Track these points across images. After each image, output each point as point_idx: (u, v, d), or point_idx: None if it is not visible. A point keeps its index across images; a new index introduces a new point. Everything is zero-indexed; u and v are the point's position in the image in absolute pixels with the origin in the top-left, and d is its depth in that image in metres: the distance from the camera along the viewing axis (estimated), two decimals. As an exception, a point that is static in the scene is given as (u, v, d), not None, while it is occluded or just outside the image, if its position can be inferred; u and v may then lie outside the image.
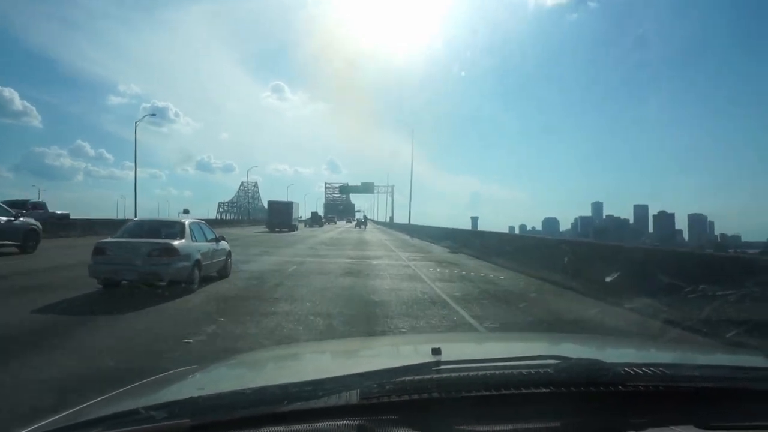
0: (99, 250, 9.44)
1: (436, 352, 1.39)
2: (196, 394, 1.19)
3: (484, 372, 1.18)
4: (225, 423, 1.05)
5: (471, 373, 1.17)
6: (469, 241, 24.68)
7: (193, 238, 10.44)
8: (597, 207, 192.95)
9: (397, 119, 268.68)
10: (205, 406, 1.10)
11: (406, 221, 60.93)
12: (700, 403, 1.21)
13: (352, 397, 1.09)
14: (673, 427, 1.12)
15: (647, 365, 1.22)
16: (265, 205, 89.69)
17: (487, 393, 1.13)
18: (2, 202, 18.24)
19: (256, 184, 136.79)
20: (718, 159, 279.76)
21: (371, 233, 49.48)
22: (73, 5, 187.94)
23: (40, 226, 17.81)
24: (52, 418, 1.20)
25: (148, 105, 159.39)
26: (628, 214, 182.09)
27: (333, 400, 1.08)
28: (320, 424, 1.05)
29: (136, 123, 41.65)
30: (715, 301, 6.76)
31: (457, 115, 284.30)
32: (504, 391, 1.13)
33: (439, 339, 3.31)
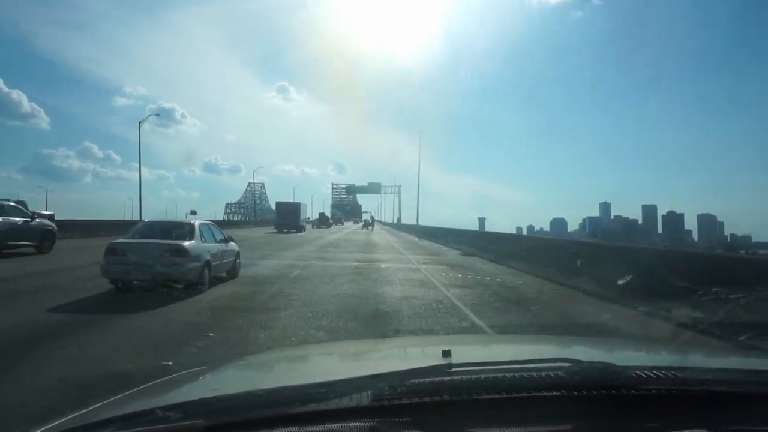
0: (111, 251, 9.56)
1: (446, 354, 1.38)
2: (209, 394, 1.20)
3: (495, 375, 1.18)
4: (238, 424, 1.06)
5: (483, 376, 1.17)
6: (481, 243, 23.92)
7: (203, 239, 10.55)
8: (605, 207, 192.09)
9: (402, 120, 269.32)
10: (220, 407, 1.11)
11: (414, 222, 60.78)
12: (712, 407, 1.19)
13: (364, 398, 1.09)
14: (686, 431, 1.11)
15: (659, 368, 1.21)
16: (272, 206, 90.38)
17: (499, 396, 1.13)
18: None
19: (262, 185, 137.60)
20: (726, 159, 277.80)
21: (379, 234, 49.07)
22: (80, 8, 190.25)
23: (56, 228, 18.21)
24: (66, 418, 1.21)
25: (155, 106, 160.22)
26: (636, 214, 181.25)
27: (345, 402, 1.08)
28: (332, 425, 1.05)
29: (140, 123, 41.66)
30: (728, 303, 6.70)
31: (462, 116, 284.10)
32: (515, 395, 1.13)
33: (448, 341, 3.30)
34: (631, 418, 1.16)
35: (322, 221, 75.08)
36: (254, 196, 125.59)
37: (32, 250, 16.51)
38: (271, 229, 52.43)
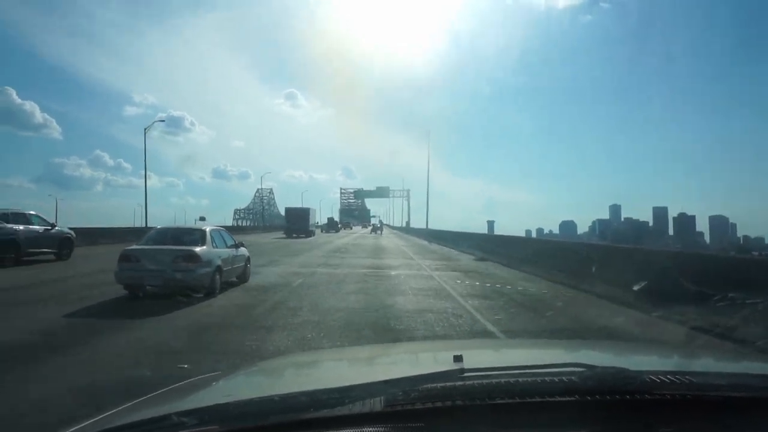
0: (125, 257, 9.71)
1: (458, 359, 1.38)
2: (223, 400, 1.21)
3: (508, 380, 1.18)
4: (253, 429, 1.06)
5: (495, 381, 1.17)
6: (492, 247, 23.41)
7: (214, 245, 10.67)
8: (615, 209, 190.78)
9: (410, 123, 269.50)
10: (235, 413, 1.12)
11: (423, 226, 60.59)
12: (728, 413, 1.18)
13: (377, 404, 1.09)
14: None
15: (674, 373, 1.20)
16: (281, 212, 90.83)
17: (512, 401, 1.12)
18: None
19: (271, 191, 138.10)
20: (738, 159, 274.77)
21: (388, 239, 48.87)
22: (89, 19, 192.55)
23: (74, 235, 18.91)
24: (81, 425, 1.22)
25: (164, 115, 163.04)
26: (647, 216, 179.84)
27: (358, 408, 1.08)
28: (345, 431, 1.06)
29: (145, 129, 41.65)
30: (745, 308, 6.62)
31: (470, 118, 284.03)
32: (529, 399, 1.13)
33: (460, 346, 3.29)
34: (645, 424, 1.14)
35: (331, 226, 75.41)
36: (262, 201, 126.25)
37: (52, 257, 17.18)
38: (280, 234, 52.63)
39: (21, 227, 16.09)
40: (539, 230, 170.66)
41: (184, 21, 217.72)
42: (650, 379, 1.17)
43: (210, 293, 9.71)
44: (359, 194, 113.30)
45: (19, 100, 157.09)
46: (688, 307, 7.70)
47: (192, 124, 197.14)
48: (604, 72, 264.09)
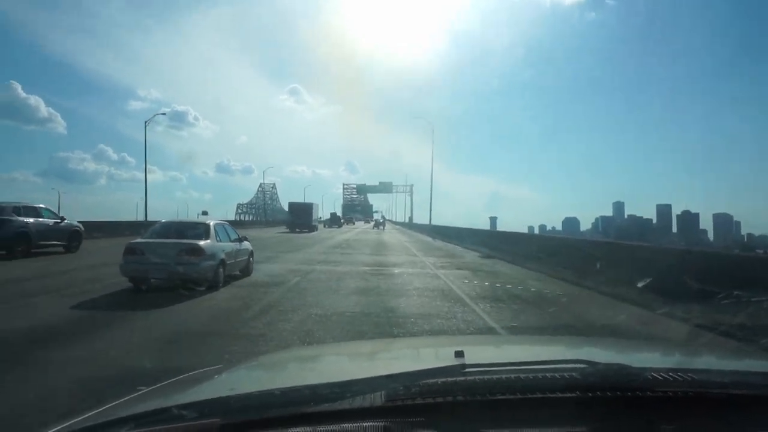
0: (130, 250, 9.80)
1: (459, 354, 1.38)
2: (225, 393, 1.21)
3: (509, 375, 1.17)
4: (254, 423, 1.06)
5: (497, 377, 1.17)
6: (497, 244, 22.94)
7: (218, 239, 10.75)
8: (618, 207, 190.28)
9: (413, 121, 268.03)
10: (235, 406, 1.12)
11: (425, 222, 60.32)
12: (730, 410, 1.18)
13: (378, 399, 1.09)
14: None
15: (676, 370, 1.20)
16: (284, 206, 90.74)
17: (513, 397, 1.13)
18: None
19: (274, 186, 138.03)
20: (742, 157, 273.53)
21: (390, 234, 48.77)
22: (94, 15, 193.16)
23: (83, 228, 19.31)
24: (82, 416, 1.21)
25: (168, 109, 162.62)
26: (650, 213, 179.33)
27: (358, 402, 1.09)
28: (346, 425, 1.05)
29: (145, 123, 41.74)
30: (750, 305, 6.60)
31: (474, 115, 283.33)
32: (530, 395, 1.13)
33: (461, 342, 3.28)
34: (647, 421, 1.14)
35: (334, 221, 75.58)
36: (264, 196, 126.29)
37: (61, 249, 17.57)
38: (283, 229, 52.82)
39: (32, 220, 16.47)
40: (542, 227, 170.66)
41: (189, 17, 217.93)
42: (652, 376, 1.16)
43: (213, 286, 9.80)
44: (362, 189, 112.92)
45: (24, 95, 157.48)
46: (692, 304, 7.68)
47: (196, 118, 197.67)
48: (608, 69, 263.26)
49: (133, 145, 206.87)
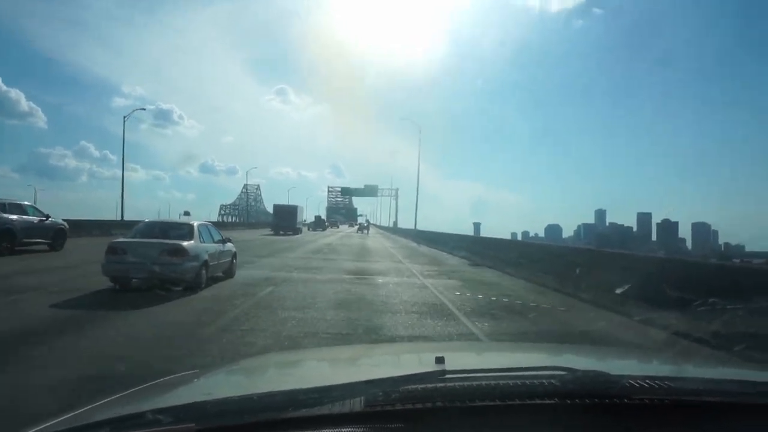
0: (111, 250, 9.71)
1: (439, 361, 1.38)
2: (201, 398, 1.21)
3: (489, 382, 1.18)
4: (230, 428, 1.05)
5: (476, 383, 1.17)
6: (483, 249, 22.48)
7: (202, 240, 10.70)
8: (600, 214, 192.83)
9: (400, 125, 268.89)
10: (213, 411, 1.11)
11: (410, 226, 60.30)
12: (706, 418, 1.19)
13: (357, 404, 1.08)
14: None
15: (653, 378, 1.21)
16: (268, 208, 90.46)
17: (492, 403, 1.12)
18: None
19: (258, 187, 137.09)
20: (721, 167, 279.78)
21: (374, 239, 48.26)
22: (79, 7, 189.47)
23: (67, 226, 19.18)
24: (57, 419, 1.20)
25: (153, 107, 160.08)
26: (631, 221, 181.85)
27: (337, 408, 1.08)
28: (324, 431, 1.05)
29: (124, 118, 40.12)
30: (725, 313, 6.74)
31: (459, 120, 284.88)
32: (509, 402, 1.13)
33: (442, 348, 3.29)
34: (624, 428, 1.16)
35: (318, 224, 75.53)
36: (248, 197, 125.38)
37: (46, 247, 17.47)
38: (266, 231, 52.44)
39: (17, 217, 16.30)
40: (525, 233, 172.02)
41: (176, 14, 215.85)
42: (630, 383, 1.17)
43: (195, 287, 9.73)
44: (347, 192, 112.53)
45: (4, 88, 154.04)
46: (670, 312, 7.79)
47: (181, 117, 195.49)
48: (593, 78, 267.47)
49: (116, 142, 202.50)
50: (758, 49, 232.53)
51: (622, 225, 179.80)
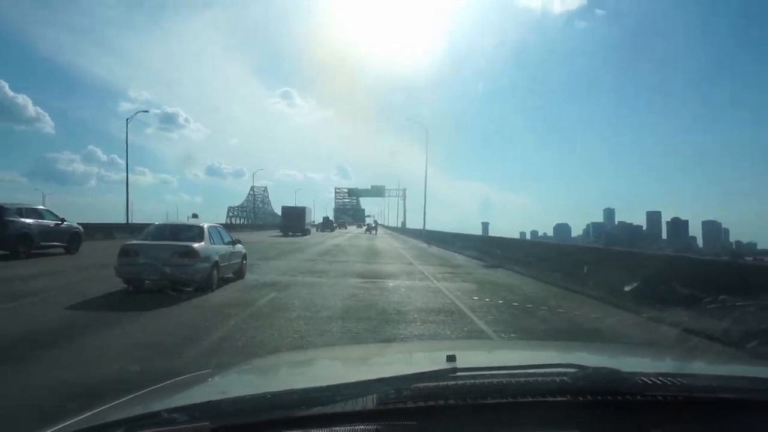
0: (124, 252, 9.85)
1: (450, 359, 1.40)
2: (216, 397, 1.22)
3: (500, 379, 1.18)
4: (244, 426, 1.06)
5: (487, 381, 1.18)
6: (493, 249, 21.63)
7: (212, 241, 10.81)
8: (609, 213, 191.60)
9: (406, 125, 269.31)
10: (226, 410, 1.12)
11: (418, 226, 59.94)
12: (719, 414, 1.19)
13: (369, 402, 1.09)
14: None
15: (665, 375, 1.21)
16: (275, 210, 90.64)
17: (504, 401, 1.13)
18: None
19: (265, 189, 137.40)
20: (732, 165, 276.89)
21: (383, 239, 47.88)
22: (85, 13, 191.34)
23: (82, 230, 19.54)
24: (72, 420, 1.21)
25: (159, 111, 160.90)
26: (640, 220, 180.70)
27: (350, 406, 1.09)
28: (337, 428, 1.06)
29: (127, 120, 40.16)
30: (736, 310, 6.71)
31: (466, 121, 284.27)
32: (520, 399, 1.13)
33: (453, 346, 3.31)
34: (636, 425, 1.16)
35: (326, 225, 75.83)
36: (255, 199, 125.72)
37: (61, 250, 17.80)
38: (274, 232, 52.58)
39: (34, 221, 16.73)
40: (533, 233, 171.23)
41: (181, 18, 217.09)
42: (642, 380, 1.17)
43: (207, 288, 9.84)
44: (354, 193, 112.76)
45: (11, 93, 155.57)
46: (681, 309, 7.77)
47: (187, 120, 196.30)
48: (599, 77, 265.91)
49: (124, 146, 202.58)
50: (765, 46, 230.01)
51: (632, 224, 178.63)
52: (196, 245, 10.07)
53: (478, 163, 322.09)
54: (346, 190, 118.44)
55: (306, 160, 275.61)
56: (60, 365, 5.11)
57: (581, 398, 1.15)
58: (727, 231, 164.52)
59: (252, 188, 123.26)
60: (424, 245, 36.32)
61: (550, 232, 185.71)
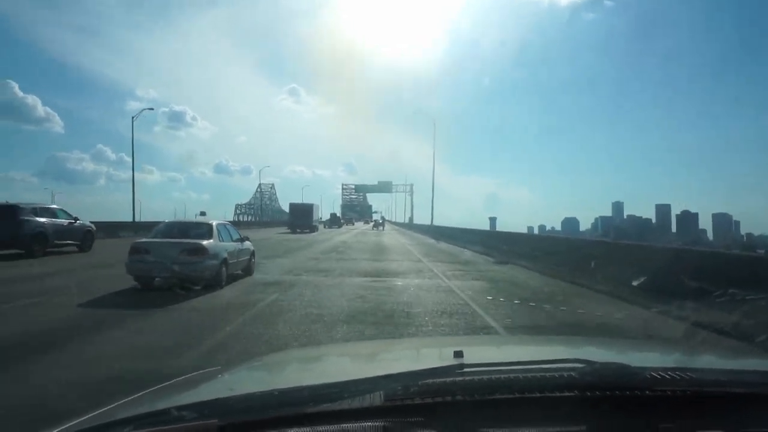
0: (134, 250, 9.98)
1: (458, 355, 1.40)
2: (224, 394, 1.23)
3: (508, 375, 1.18)
4: (253, 423, 1.06)
5: (495, 377, 1.17)
6: (503, 245, 21.27)
7: (221, 239, 10.90)
8: (617, 207, 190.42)
9: (412, 121, 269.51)
10: (237, 407, 1.12)
11: (426, 222, 59.67)
12: (729, 409, 1.19)
13: (377, 398, 1.09)
14: None
15: (674, 369, 1.20)
16: (283, 207, 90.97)
17: (511, 396, 1.13)
18: None
19: (272, 186, 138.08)
20: (742, 157, 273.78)
21: (390, 235, 47.39)
22: (92, 13, 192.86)
23: (95, 228, 19.93)
24: (82, 418, 1.22)
25: (167, 109, 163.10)
26: (649, 213, 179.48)
27: (358, 402, 1.09)
28: (345, 425, 1.06)
29: (133, 118, 40.12)
30: (745, 304, 6.67)
31: (472, 115, 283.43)
32: (528, 395, 1.13)
33: (460, 342, 3.27)
34: (645, 420, 1.15)
35: (334, 221, 76.00)
36: (262, 196, 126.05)
37: (75, 248, 18.20)
38: (282, 229, 52.75)
39: (48, 221, 17.05)
40: (541, 227, 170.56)
41: (187, 17, 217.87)
42: (651, 375, 1.16)
43: (216, 285, 9.93)
44: (361, 189, 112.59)
45: (21, 94, 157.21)
46: (691, 302, 7.70)
47: (194, 119, 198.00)
48: (608, 69, 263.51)
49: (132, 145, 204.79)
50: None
51: (641, 217, 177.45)
52: (205, 242, 10.16)
53: (485, 158, 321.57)
54: (353, 186, 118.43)
55: (313, 156, 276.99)
56: (82, 359, 5.35)
57: (589, 393, 1.14)
58: (738, 223, 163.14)
59: (259, 185, 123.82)
60: (432, 241, 35.88)
61: (558, 227, 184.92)
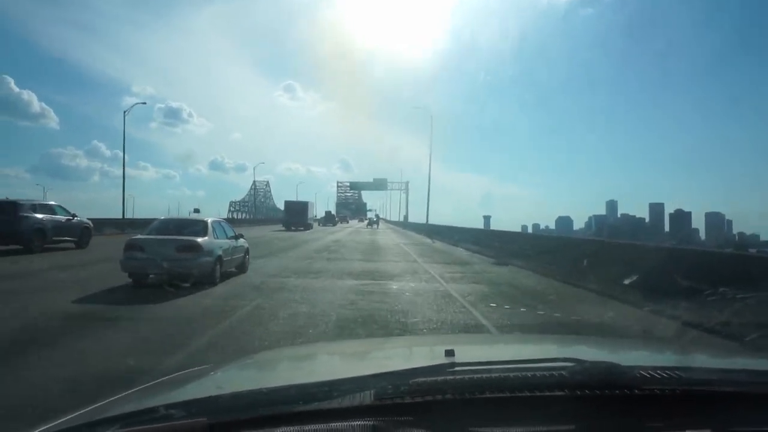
0: (129, 247, 9.98)
1: (449, 353, 1.40)
2: (213, 393, 1.23)
3: (498, 374, 1.18)
4: (242, 422, 1.05)
5: (485, 375, 1.17)
6: (498, 244, 21.12)
7: (215, 236, 10.91)
8: (611, 205, 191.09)
9: (408, 119, 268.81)
10: (225, 406, 1.12)
11: (421, 220, 59.54)
12: (717, 408, 1.19)
13: (367, 397, 1.08)
14: (690, 431, 1.11)
15: (663, 368, 1.21)
16: (277, 204, 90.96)
17: (502, 395, 1.13)
18: None
19: (267, 183, 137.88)
20: (735, 157, 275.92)
21: (385, 234, 47.10)
22: (89, 9, 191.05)
23: (92, 225, 20.01)
24: (70, 416, 1.21)
25: (163, 106, 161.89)
26: (643, 212, 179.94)
27: (348, 401, 1.08)
28: (335, 424, 1.05)
29: (124, 113, 40.42)
30: (736, 303, 6.72)
31: (468, 113, 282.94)
32: (518, 394, 1.13)
33: (451, 341, 3.28)
34: (634, 419, 1.15)
35: (328, 219, 76.08)
36: (256, 193, 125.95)
37: (72, 245, 18.29)
38: (277, 227, 52.56)
39: (47, 217, 17.18)
40: (535, 225, 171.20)
41: (184, 13, 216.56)
42: (640, 374, 1.17)
43: (210, 282, 9.93)
44: (356, 186, 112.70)
45: (17, 89, 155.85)
46: (681, 301, 7.77)
47: (190, 115, 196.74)
48: (603, 68, 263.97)
49: (128, 141, 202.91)
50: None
51: (634, 216, 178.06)
52: (199, 240, 10.17)
53: (480, 155, 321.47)
54: (348, 184, 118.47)
55: (308, 153, 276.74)
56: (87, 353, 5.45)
57: (579, 392, 1.14)
58: (730, 223, 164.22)
59: (254, 182, 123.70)
60: (428, 240, 35.37)
61: (552, 225, 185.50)
